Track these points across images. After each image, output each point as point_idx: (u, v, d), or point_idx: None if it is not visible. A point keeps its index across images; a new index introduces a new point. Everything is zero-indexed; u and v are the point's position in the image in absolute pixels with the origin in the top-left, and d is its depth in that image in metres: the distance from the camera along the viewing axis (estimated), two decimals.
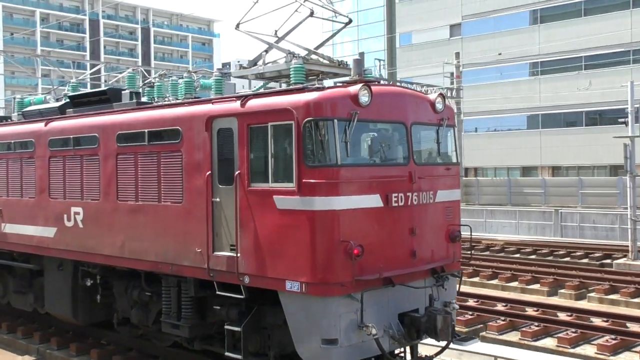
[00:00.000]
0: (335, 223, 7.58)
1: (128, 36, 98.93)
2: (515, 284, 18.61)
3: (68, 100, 11.38)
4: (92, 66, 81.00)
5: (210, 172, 8.49)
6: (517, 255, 23.88)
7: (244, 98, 8.31)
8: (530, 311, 14.55)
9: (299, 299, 7.72)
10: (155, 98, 10.27)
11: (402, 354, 9.16)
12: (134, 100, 10.21)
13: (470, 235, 9.23)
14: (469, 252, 11.41)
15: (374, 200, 7.97)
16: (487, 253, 24.73)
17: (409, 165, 8.39)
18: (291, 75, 8.59)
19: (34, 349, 11.88)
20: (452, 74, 52.11)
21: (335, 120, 7.57)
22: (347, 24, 9.45)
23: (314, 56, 9.32)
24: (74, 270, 10.84)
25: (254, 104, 8.17)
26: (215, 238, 8.52)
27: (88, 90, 11.95)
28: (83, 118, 10.58)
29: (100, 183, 10.03)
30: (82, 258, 10.51)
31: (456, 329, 9.75)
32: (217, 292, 8.52)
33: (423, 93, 9.21)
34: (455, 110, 46.00)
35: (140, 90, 10.68)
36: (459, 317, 13.34)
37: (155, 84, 10.28)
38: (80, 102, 11.12)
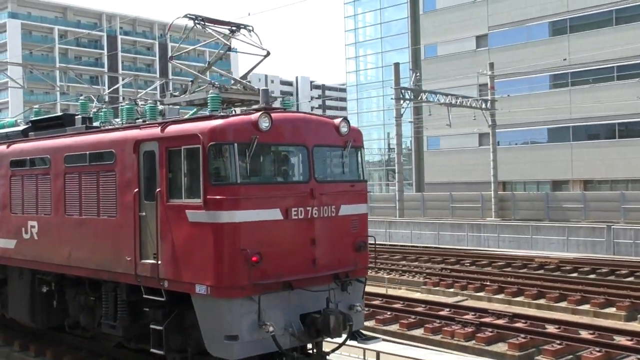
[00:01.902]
0: (235, 234, 9.18)
1: (145, 52, 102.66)
2: (565, 304, 18.78)
3: (30, 124, 13.35)
4: (113, 81, 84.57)
5: (137, 189, 10.21)
6: (575, 275, 23.90)
7: (164, 124, 10.04)
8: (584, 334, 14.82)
9: (206, 300, 9.33)
10: (102, 123, 12.11)
11: (311, 350, 10.73)
12: (83, 125, 12.07)
13: (375, 244, 10.85)
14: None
15: (273, 214, 9.56)
16: (540, 272, 24.73)
17: (309, 182, 9.99)
18: (208, 103, 10.32)
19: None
20: (479, 85, 53.50)
21: (236, 144, 9.22)
22: (265, 56, 11.12)
23: (238, 86, 11.04)
24: (32, 279, 12.67)
25: (171, 129, 9.89)
26: (142, 248, 10.19)
27: (47, 115, 13.77)
28: (38, 141, 12.49)
29: (51, 199, 11.88)
30: (38, 267, 12.35)
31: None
32: (144, 296, 10.21)
33: (328, 118, 10.82)
34: (490, 123, 47.10)
35: (92, 115, 12.53)
36: (510, 340, 14.60)
37: (102, 110, 12.12)
38: (40, 126, 13.07)
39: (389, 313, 17.57)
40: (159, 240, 9.84)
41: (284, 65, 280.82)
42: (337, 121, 10.62)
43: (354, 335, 10.77)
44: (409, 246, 34.97)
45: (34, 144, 12.61)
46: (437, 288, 22.38)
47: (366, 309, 17.63)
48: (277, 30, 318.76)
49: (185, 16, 10.71)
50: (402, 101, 44.53)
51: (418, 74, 45.58)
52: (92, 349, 12.70)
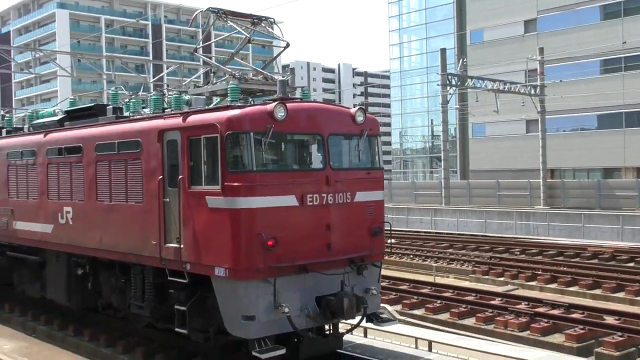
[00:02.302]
0: (251, 219, 9.70)
1: (189, 40, 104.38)
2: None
3: (65, 114, 14.15)
4: (158, 69, 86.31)
5: (162, 176, 10.82)
6: (632, 265, 23.25)
7: (186, 114, 10.62)
8: None
9: (224, 282, 9.89)
10: (131, 113, 12.79)
11: (328, 331, 11.23)
12: (114, 115, 12.77)
13: (390, 230, 11.24)
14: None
15: (289, 200, 10.05)
16: (595, 261, 24.34)
17: (325, 170, 10.44)
18: (228, 94, 10.84)
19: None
20: (527, 71, 52.63)
21: (252, 133, 9.72)
22: (285, 47, 11.59)
23: (259, 76, 11.52)
24: (67, 262, 13.49)
25: (192, 119, 10.46)
26: (166, 232, 10.81)
27: (81, 106, 14.55)
28: (72, 130, 13.25)
29: (84, 186, 12.63)
30: (73, 250, 13.15)
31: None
32: (169, 278, 10.85)
33: (344, 107, 11.22)
34: (539, 109, 46.51)
35: (123, 105, 13.23)
36: (567, 331, 14.41)
37: (131, 100, 12.79)
38: (74, 116, 13.84)
39: (438, 302, 17.45)
40: (181, 225, 10.44)
41: (326, 52, 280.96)
42: (353, 110, 11.02)
43: (370, 318, 11.25)
44: (455, 234, 34.76)
45: (68, 133, 13.40)
46: (486, 277, 22.23)
47: (415, 297, 17.91)
48: (319, 17, 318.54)
49: (208, 10, 11.21)
50: (448, 87, 44.27)
51: (465, 60, 45.08)
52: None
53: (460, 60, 45.35)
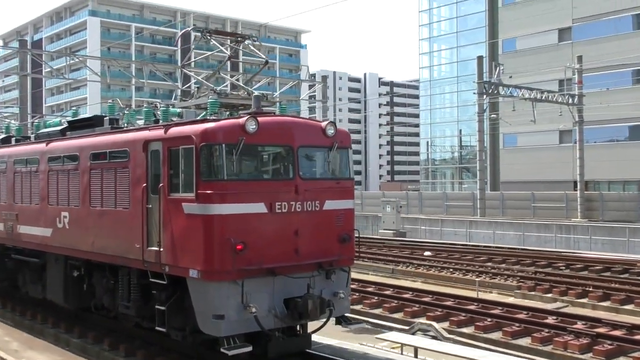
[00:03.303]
0: (222, 224, 10.71)
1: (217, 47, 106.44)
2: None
3: (67, 124, 15.43)
4: (187, 77, 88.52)
5: (146, 184, 11.91)
6: None
7: (167, 126, 11.72)
8: None
9: (198, 283, 10.91)
10: (125, 124, 13.98)
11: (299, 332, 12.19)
12: (109, 126, 13.98)
13: (359, 236, 12.20)
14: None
15: (258, 207, 11.04)
16: None
17: (294, 179, 11.42)
18: (208, 108, 11.92)
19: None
20: (560, 80, 52.42)
21: (224, 145, 10.76)
22: (265, 64, 12.66)
23: (239, 91, 12.61)
24: (65, 264, 14.67)
25: (172, 131, 11.54)
26: (148, 236, 11.90)
27: (82, 116, 15.81)
28: (71, 140, 14.49)
29: (79, 192, 13.84)
30: (69, 253, 14.35)
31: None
32: (150, 280, 11.94)
33: (315, 121, 12.22)
34: (577, 119, 46.61)
35: (119, 116, 14.44)
36: (634, 354, 14.11)
37: (125, 113, 13.99)
38: (75, 127, 15.11)
39: (489, 319, 16.85)
40: (161, 229, 11.50)
41: (352, 62, 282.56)
42: (323, 124, 12.00)
43: (339, 320, 12.20)
44: (492, 247, 34.14)
45: (67, 142, 14.65)
46: (532, 293, 21.57)
47: (462, 314, 17.50)
48: (346, 27, 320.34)
49: (193, 29, 12.34)
50: (484, 96, 44.47)
51: (502, 68, 45.16)
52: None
53: (497, 68, 44.70)
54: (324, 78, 49.06)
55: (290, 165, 11.50)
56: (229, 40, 12.89)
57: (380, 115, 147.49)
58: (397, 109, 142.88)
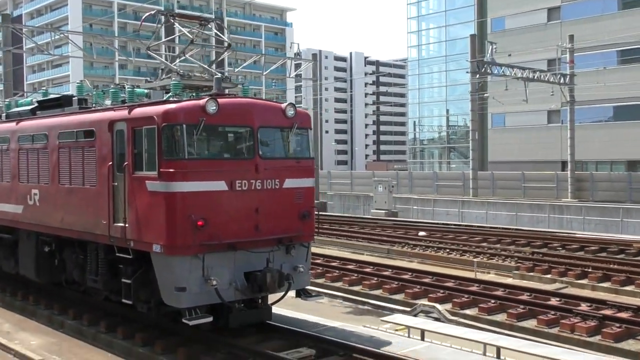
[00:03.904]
0: (183, 201, 11.36)
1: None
2: None
3: (37, 104, 16.02)
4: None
5: (111, 162, 12.54)
6: None
7: (131, 107, 12.34)
8: None
9: (160, 257, 11.60)
10: (94, 104, 14.58)
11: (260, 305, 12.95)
12: (77, 106, 14.58)
13: (318, 213, 12.91)
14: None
15: (219, 185, 11.70)
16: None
17: (254, 159, 12.10)
18: (170, 89, 12.55)
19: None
20: (549, 60, 52.36)
21: (184, 125, 11.39)
22: (227, 48, 13.26)
23: (203, 73, 13.23)
24: (36, 240, 15.33)
25: (136, 112, 12.17)
26: (114, 213, 12.58)
27: (51, 97, 16.40)
28: (40, 119, 15.09)
29: (48, 170, 14.48)
30: (40, 230, 15.01)
31: None
32: (117, 254, 12.63)
33: (275, 102, 12.87)
34: (568, 99, 47.11)
35: (87, 97, 15.04)
36: (605, 330, 14.26)
37: (94, 93, 14.58)
38: (45, 106, 15.69)
39: (492, 301, 16.79)
40: (126, 206, 12.17)
41: (338, 40, 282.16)
42: (283, 105, 12.66)
43: (299, 293, 12.96)
44: (486, 227, 34.17)
45: (36, 122, 15.25)
46: (531, 274, 21.45)
47: (465, 296, 17.52)
48: (332, 5, 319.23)
49: (157, 13, 12.93)
50: (477, 75, 44.45)
51: (495, 47, 44.96)
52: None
53: (491, 47, 44.78)
54: (314, 56, 49.12)
55: (250, 145, 12.15)
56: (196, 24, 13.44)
57: (366, 94, 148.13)
58: (382, 89, 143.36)
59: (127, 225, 12.15)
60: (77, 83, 15.25)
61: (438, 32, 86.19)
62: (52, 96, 16.57)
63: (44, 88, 18.07)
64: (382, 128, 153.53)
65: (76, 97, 14.92)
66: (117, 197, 12.49)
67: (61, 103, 15.19)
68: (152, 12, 12.84)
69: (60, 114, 14.73)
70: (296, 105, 12.84)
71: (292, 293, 12.97)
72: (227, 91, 13.07)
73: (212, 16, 13.16)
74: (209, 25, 13.56)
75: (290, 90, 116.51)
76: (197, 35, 13.59)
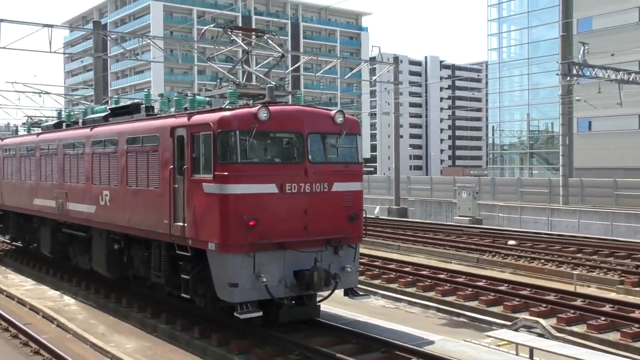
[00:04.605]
0: (236, 202, 12.38)
1: (278, 31, 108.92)
2: None
3: (109, 111, 17.51)
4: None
5: (172, 166, 13.73)
6: None
7: (190, 114, 13.50)
8: None
9: (215, 255, 12.66)
10: (159, 112, 15.87)
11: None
12: (144, 113, 15.91)
13: (365, 215, 13.72)
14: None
15: (270, 188, 12.67)
16: None
17: (303, 163, 13.01)
18: (227, 97, 13.64)
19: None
20: None
21: (238, 131, 12.41)
22: (281, 57, 14.26)
23: (260, 82, 14.26)
24: (107, 238, 16.78)
25: (194, 119, 13.31)
26: (175, 213, 13.75)
27: (121, 104, 17.86)
28: (111, 126, 16.53)
29: (118, 173, 15.86)
30: (110, 228, 16.42)
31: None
32: (177, 252, 13.80)
33: (325, 109, 13.73)
34: None
35: (154, 104, 16.36)
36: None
37: (159, 101, 15.88)
38: (116, 113, 17.15)
39: (602, 318, 15.85)
40: (185, 207, 13.31)
41: (412, 44, 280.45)
42: (332, 112, 13.53)
43: (347, 292, 13.78)
44: (579, 237, 32.11)
45: (107, 128, 16.70)
46: (637, 289, 19.95)
47: (570, 311, 16.53)
48: (407, 8, 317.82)
49: (215, 25, 14.05)
50: (568, 77, 43.04)
51: (587, 48, 43.32)
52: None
53: (583, 48, 43.09)
54: (396, 59, 49.12)
55: (300, 150, 13.07)
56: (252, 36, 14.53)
57: (441, 99, 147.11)
58: (459, 93, 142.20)
59: (185, 224, 13.27)
60: (145, 92, 16.57)
61: (520, 34, 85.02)
62: (122, 104, 18.01)
63: (115, 97, 19.61)
64: (458, 133, 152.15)
65: (144, 105, 16.26)
66: (177, 199, 13.65)
67: (130, 110, 16.59)
68: (212, 25, 13.90)
69: (128, 120, 16.11)
70: (350, 113, 13.66)
71: (381, 303, 13.38)
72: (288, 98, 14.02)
73: (266, 29, 14.12)
74: (265, 37, 14.57)
75: (365, 95, 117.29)
76: (254, 46, 14.60)
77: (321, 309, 14.32)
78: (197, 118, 13.21)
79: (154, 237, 14.52)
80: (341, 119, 13.51)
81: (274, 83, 14.21)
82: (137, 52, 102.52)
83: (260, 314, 12.53)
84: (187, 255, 13.45)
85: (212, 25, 13.87)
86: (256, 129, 12.43)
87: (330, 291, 13.25)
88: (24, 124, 26.59)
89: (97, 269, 17.71)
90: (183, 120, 13.61)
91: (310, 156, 13.07)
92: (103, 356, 13.19)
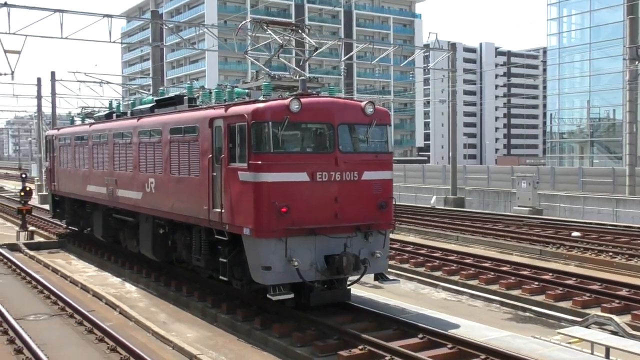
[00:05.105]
0: (268, 190, 13.20)
1: (331, 20, 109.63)
2: None
3: (155, 103, 18.59)
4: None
5: (211, 155, 14.65)
6: None
7: (227, 106, 14.37)
8: None
9: (250, 239, 13.54)
10: (201, 103, 16.83)
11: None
12: (186, 105, 16.90)
13: (394, 204, 14.38)
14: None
15: (301, 176, 13.46)
16: None
17: (334, 153, 13.74)
18: (262, 89, 14.46)
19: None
20: None
21: (270, 122, 13.21)
22: (315, 50, 14.99)
23: (296, 75, 15.03)
24: (153, 223, 17.90)
25: (231, 110, 14.17)
26: (213, 199, 14.69)
27: (166, 96, 18.91)
28: (156, 117, 17.58)
29: (162, 161, 16.90)
30: (155, 214, 17.51)
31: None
32: (215, 236, 14.74)
33: (355, 100, 14.41)
34: None
35: (196, 96, 17.33)
36: None
37: (200, 93, 16.83)
38: (161, 105, 18.21)
39: None
40: (222, 194, 14.22)
41: (466, 31, 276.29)
42: (363, 103, 14.21)
43: (377, 277, 14.50)
44: None
45: (153, 118, 17.78)
46: None
47: (559, 288, 17.28)
48: None
49: (251, 21, 14.88)
50: (637, 62, 41.55)
51: None
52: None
53: None
54: (453, 46, 48.98)
55: (330, 140, 13.80)
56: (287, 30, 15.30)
57: (496, 86, 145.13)
58: (514, 80, 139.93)
59: (223, 210, 14.18)
60: (187, 84, 17.55)
61: (581, 18, 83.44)
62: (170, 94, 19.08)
63: (161, 89, 20.69)
64: (513, 121, 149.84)
65: (186, 97, 17.24)
66: (215, 186, 14.56)
67: (174, 102, 17.60)
68: (245, 21, 14.73)
69: (172, 111, 17.13)
70: (379, 103, 14.31)
71: (442, 295, 13.79)
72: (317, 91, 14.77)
73: (299, 23, 14.86)
74: (299, 31, 15.32)
75: (418, 82, 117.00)
76: (289, 40, 15.37)
77: (384, 301, 14.90)
78: (233, 110, 14.07)
79: (194, 222, 15.50)
80: (371, 109, 14.18)
81: (308, 75, 14.93)
82: (193, 42, 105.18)
83: (292, 295, 13.35)
84: (225, 239, 14.36)
85: (247, 21, 14.59)
86: (288, 120, 13.19)
87: (360, 275, 13.97)
88: (78, 114, 28.10)
89: (144, 252, 18.87)
90: (221, 111, 14.49)
91: (340, 146, 13.79)
92: (165, 345, 13.49)
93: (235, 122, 13.78)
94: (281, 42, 15.13)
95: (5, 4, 27.40)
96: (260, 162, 13.18)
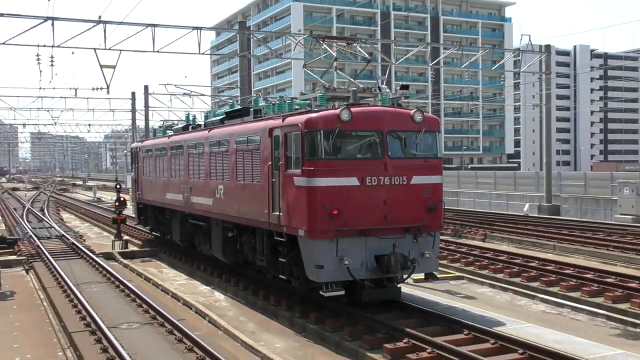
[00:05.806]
0: (321, 194, 14.36)
1: (417, 26, 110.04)
2: None
3: (225, 114, 20.12)
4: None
5: (271, 162, 15.94)
6: None
7: (284, 116, 15.65)
8: None
9: (304, 240, 14.70)
10: (264, 114, 18.20)
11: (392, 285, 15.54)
12: (252, 116, 18.30)
13: (444, 205, 15.23)
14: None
15: (352, 181, 14.54)
16: None
17: (383, 158, 14.74)
18: (317, 100, 15.65)
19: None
20: None
21: (322, 131, 14.36)
22: (368, 62, 16.04)
23: (347, 86, 16.15)
24: (222, 227, 19.40)
25: (287, 120, 15.41)
26: (273, 204, 15.96)
27: (235, 108, 20.40)
28: (224, 128, 19.08)
29: (229, 169, 18.36)
30: (224, 218, 18.98)
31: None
32: (275, 238, 16.00)
33: (405, 109, 15.37)
34: None
35: (262, 108, 18.72)
36: None
37: (265, 105, 18.21)
38: (230, 116, 19.72)
39: None
40: (280, 198, 15.48)
41: (559, 33, 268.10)
42: (411, 112, 15.18)
43: (427, 276, 15.40)
44: None
45: (222, 129, 19.30)
46: None
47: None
48: None
49: (309, 36, 16.11)
50: None
51: None
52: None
53: None
54: (547, 47, 48.14)
55: (380, 146, 14.83)
56: (344, 43, 16.47)
57: (592, 90, 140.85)
58: (611, 83, 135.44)
59: (281, 213, 15.42)
60: (254, 97, 18.98)
61: None
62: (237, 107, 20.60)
63: (230, 101, 22.28)
64: (611, 126, 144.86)
65: (252, 108, 18.66)
66: (274, 191, 15.84)
67: (241, 114, 19.07)
68: (302, 37, 15.94)
69: (238, 123, 18.59)
70: (425, 111, 15.23)
71: (541, 308, 14.68)
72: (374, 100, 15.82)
73: (355, 37, 15.94)
74: (354, 44, 16.43)
75: (508, 87, 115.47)
76: (345, 53, 16.52)
77: (478, 313, 15.34)
78: (289, 120, 15.32)
79: (257, 225, 16.83)
80: (420, 117, 15.12)
81: (361, 86, 16.01)
82: (281, 52, 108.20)
83: (342, 292, 14.44)
84: (283, 241, 15.59)
85: (302, 37, 15.82)
86: (339, 128, 14.31)
87: (409, 274, 14.90)
88: (160, 127, 30.19)
89: (215, 254, 20.40)
90: (279, 122, 15.77)
91: (389, 152, 14.79)
92: (254, 355, 13.39)
93: (291, 131, 15.00)
94: (335, 56, 16.30)
95: (100, 21, 28.96)
96: (313, 168, 14.34)
